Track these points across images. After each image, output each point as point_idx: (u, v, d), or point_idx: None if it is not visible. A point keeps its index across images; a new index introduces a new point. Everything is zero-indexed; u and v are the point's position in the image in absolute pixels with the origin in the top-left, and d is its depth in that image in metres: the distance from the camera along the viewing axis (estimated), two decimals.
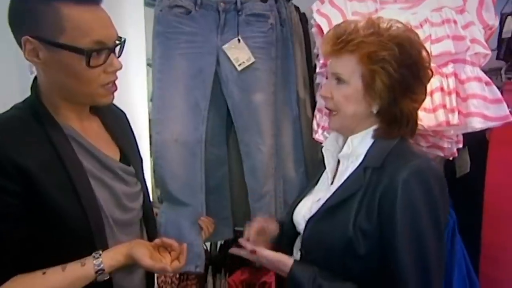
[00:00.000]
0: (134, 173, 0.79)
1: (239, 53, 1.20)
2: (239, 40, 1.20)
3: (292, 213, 0.89)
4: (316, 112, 1.19)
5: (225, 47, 1.20)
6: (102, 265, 0.66)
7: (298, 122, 1.35)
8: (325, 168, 0.88)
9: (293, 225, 0.89)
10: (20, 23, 0.64)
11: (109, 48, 0.67)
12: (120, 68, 0.70)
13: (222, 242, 1.56)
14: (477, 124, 0.95)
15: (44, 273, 0.64)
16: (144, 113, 1.41)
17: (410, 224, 0.71)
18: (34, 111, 0.68)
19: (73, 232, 0.66)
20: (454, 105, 0.97)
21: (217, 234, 1.32)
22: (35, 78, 0.71)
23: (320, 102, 1.18)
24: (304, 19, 1.40)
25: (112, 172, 0.74)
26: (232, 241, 1.49)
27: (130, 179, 0.78)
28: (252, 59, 1.21)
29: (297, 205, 0.90)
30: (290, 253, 0.89)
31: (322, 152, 0.89)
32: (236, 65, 1.21)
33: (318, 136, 1.16)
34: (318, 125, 1.16)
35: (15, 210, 0.61)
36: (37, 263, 0.64)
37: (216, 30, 1.20)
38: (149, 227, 0.83)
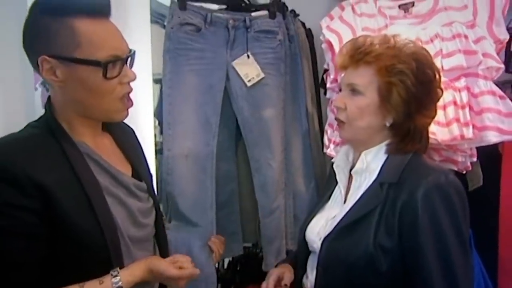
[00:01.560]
0: (146, 188, 0.79)
1: (248, 69, 1.21)
2: (248, 56, 1.21)
3: (305, 231, 0.88)
4: (327, 127, 1.19)
5: (234, 63, 1.21)
6: (120, 283, 0.65)
7: (307, 137, 1.35)
8: (335, 183, 0.87)
9: (305, 243, 0.87)
10: (35, 45, 0.65)
11: (122, 59, 0.68)
12: (135, 79, 0.70)
13: (230, 258, 1.53)
14: (493, 138, 0.95)
15: None
16: (150, 130, 1.41)
17: (434, 240, 0.70)
18: (50, 129, 0.68)
19: (90, 250, 0.65)
20: (468, 119, 0.96)
21: (226, 250, 1.30)
22: (49, 96, 0.71)
23: (330, 117, 1.18)
24: (310, 35, 1.42)
25: (126, 188, 0.74)
26: (241, 257, 1.46)
27: (143, 195, 0.78)
28: (262, 75, 1.22)
29: (309, 222, 0.88)
30: (303, 271, 0.87)
31: (332, 168, 0.88)
32: (246, 80, 1.21)
33: (330, 151, 1.15)
34: (329, 140, 1.16)
35: (35, 229, 0.61)
36: (54, 282, 0.63)
37: (226, 46, 1.21)
38: (161, 244, 0.82)
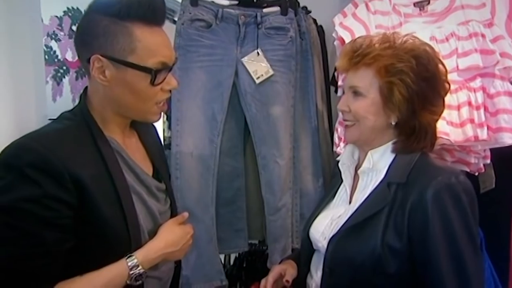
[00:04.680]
0: (164, 189, 0.81)
1: (258, 66, 1.20)
2: (258, 53, 1.20)
3: (309, 230, 0.87)
4: (337, 125, 1.18)
5: (244, 59, 1.20)
6: (135, 260, 0.67)
7: (316, 134, 1.34)
8: (340, 182, 0.86)
9: (309, 242, 0.87)
10: (92, 42, 0.67)
11: (169, 67, 0.70)
12: (176, 87, 0.73)
13: (237, 255, 1.53)
14: (508, 139, 0.93)
15: (82, 276, 0.66)
16: (159, 125, 1.41)
17: (446, 241, 0.69)
18: (85, 123, 0.70)
19: (113, 244, 0.67)
20: (482, 120, 0.95)
21: (232, 246, 1.30)
22: (85, 89, 0.74)
23: (341, 115, 1.17)
24: (321, 32, 1.40)
25: (148, 188, 0.75)
26: (247, 253, 1.46)
27: (161, 196, 0.79)
28: (271, 72, 1.21)
29: (313, 221, 0.87)
30: (307, 269, 0.87)
31: (338, 166, 0.88)
32: (255, 77, 1.21)
33: (340, 149, 1.14)
34: (339, 138, 1.15)
35: (68, 221, 0.63)
36: (72, 272, 0.65)
37: (236, 42, 1.20)
38: None
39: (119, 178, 0.68)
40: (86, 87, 0.74)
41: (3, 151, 0.62)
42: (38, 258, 0.61)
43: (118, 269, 0.66)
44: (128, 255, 0.67)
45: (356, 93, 0.78)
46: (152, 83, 0.68)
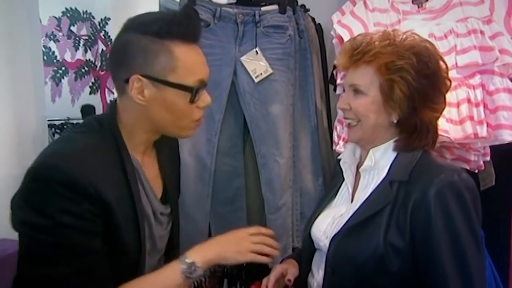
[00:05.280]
0: (168, 213, 0.81)
1: (256, 65, 1.20)
2: (256, 51, 1.20)
3: (310, 228, 0.87)
4: (336, 123, 1.17)
5: (243, 58, 1.20)
6: (187, 258, 0.68)
7: (316, 133, 1.34)
8: (342, 180, 0.86)
9: (311, 240, 0.86)
10: (130, 62, 0.66)
11: (206, 84, 0.70)
12: (210, 104, 0.72)
13: None
14: (508, 136, 0.93)
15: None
16: None
17: (449, 239, 0.69)
18: (113, 138, 0.69)
19: (120, 264, 0.67)
20: (482, 117, 0.94)
21: None
22: (115, 101, 0.73)
23: (340, 114, 1.16)
24: (320, 30, 1.40)
25: (154, 213, 0.76)
26: None
27: (164, 221, 0.79)
28: (270, 71, 1.20)
29: (315, 219, 0.87)
30: (308, 268, 0.86)
31: (339, 165, 0.87)
32: (253, 76, 1.20)
33: (339, 148, 1.14)
34: (338, 136, 1.15)
35: (101, 229, 0.65)
36: None
37: (235, 41, 1.20)
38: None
39: (138, 199, 0.69)
40: (116, 99, 0.73)
41: (34, 169, 0.63)
42: (96, 265, 0.63)
43: (174, 273, 0.67)
44: (183, 257, 0.69)
45: (356, 91, 0.77)
46: (192, 101, 0.67)
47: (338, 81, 1.15)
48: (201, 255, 0.69)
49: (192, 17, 0.68)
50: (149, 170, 0.75)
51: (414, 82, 0.73)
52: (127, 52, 0.66)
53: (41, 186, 0.61)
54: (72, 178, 0.60)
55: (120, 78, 0.68)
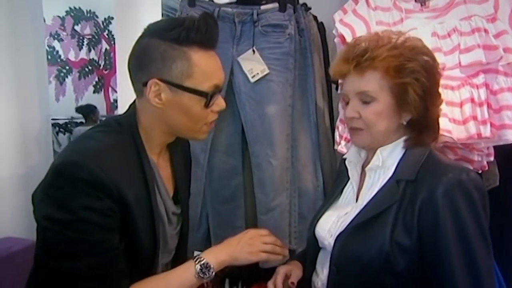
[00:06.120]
0: (179, 213, 0.82)
1: (253, 65, 1.19)
2: (254, 51, 1.19)
3: (315, 227, 0.87)
4: (338, 123, 1.16)
5: (240, 58, 1.19)
6: (201, 259, 0.71)
7: (316, 133, 1.32)
8: (347, 179, 0.85)
9: (315, 240, 0.86)
10: (149, 66, 0.68)
11: (221, 89, 0.73)
12: (224, 108, 0.74)
13: None
14: None
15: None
16: None
17: (458, 239, 0.68)
18: (132, 138, 0.71)
19: (135, 262, 0.69)
20: (485, 117, 0.93)
21: None
22: (134, 103, 0.75)
23: (341, 113, 1.16)
24: (322, 29, 1.39)
25: (167, 212, 0.77)
26: None
27: (174, 220, 0.81)
28: (267, 71, 1.20)
29: (319, 218, 0.87)
30: (312, 268, 0.86)
31: (345, 164, 0.87)
32: (250, 76, 1.20)
33: (341, 147, 1.13)
34: (340, 136, 1.14)
35: (118, 225, 0.66)
36: None
37: (232, 41, 1.20)
38: (177, 259, 0.84)
39: (155, 199, 0.70)
40: (135, 100, 0.75)
41: (59, 166, 0.65)
42: (114, 261, 0.65)
43: (188, 273, 0.70)
44: (198, 258, 0.71)
45: (365, 98, 0.76)
46: (207, 105, 0.70)
47: (340, 81, 1.13)
48: (215, 256, 0.72)
49: (210, 23, 0.68)
50: (163, 169, 0.77)
51: (427, 81, 0.73)
52: (146, 57, 0.68)
53: (66, 183, 0.62)
54: (96, 176, 0.62)
55: (138, 81, 0.70)
